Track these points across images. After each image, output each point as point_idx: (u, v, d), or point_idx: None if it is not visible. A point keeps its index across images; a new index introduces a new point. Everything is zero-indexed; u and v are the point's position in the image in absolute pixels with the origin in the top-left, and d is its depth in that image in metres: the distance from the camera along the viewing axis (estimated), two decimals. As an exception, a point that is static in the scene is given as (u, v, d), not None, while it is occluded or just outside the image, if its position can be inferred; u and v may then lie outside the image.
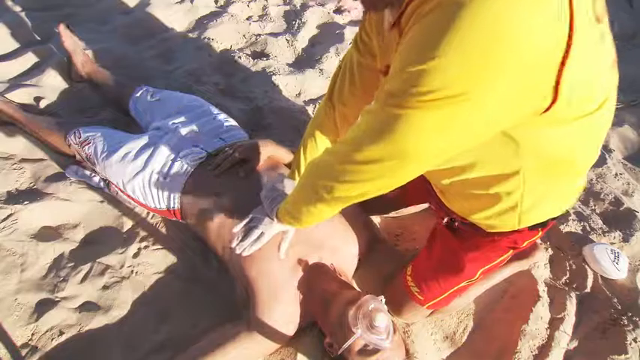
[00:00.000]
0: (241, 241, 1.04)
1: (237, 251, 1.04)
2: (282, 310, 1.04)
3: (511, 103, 0.55)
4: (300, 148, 1.09)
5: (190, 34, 2.00)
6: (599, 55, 0.60)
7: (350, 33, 2.19)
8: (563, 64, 0.52)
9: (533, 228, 0.93)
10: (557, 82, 0.53)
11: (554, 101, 0.56)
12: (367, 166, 0.66)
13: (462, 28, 0.48)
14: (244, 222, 1.06)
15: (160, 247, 1.28)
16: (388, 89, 0.59)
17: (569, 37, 0.50)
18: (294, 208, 0.89)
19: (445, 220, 1.06)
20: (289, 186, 1.02)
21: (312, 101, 1.83)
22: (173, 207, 1.24)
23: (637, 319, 1.20)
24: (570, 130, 0.65)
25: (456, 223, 1.02)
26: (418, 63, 0.53)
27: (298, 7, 2.31)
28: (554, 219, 0.94)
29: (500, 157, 0.71)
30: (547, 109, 0.57)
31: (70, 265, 1.20)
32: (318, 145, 1.07)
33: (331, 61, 2.00)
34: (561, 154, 0.71)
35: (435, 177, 0.89)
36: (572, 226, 1.47)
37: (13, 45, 1.75)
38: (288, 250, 1.08)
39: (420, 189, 1.05)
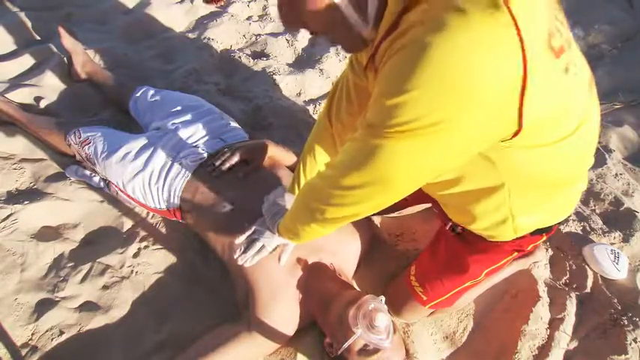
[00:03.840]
0: (243, 252, 1.07)
1: (240, 262, 1.07)
2: (282, 310, 1.04)
3: (480, 130, 0.60)
4: (299, 164, 1.11)
5: (190, 34, 2.00)
6: (565, 86, 0.64)
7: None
8: (522, 97, 0.56)
9: (537, 233, 0.94)
10: (520, 113, 0.58)
11: (519, 129, 0.61)
12: (353, 191, 0.71)
13: (430, 65, 0.53)
14: (247, 234, 1.08)
15: (160, 247, 1.28)
16: (367, 119, 0.64)
17: (524, 74, 0.54)
18: (292, 225, 0.93)
19: (448, 225, 1.06)
20: (290, 201, 1.06)
21: (312, 101, 1.83)
22: (173, 207, 1.24)
23: (637, 319, 1.20)
24: (548, 152, 0.69)
25: (459, 228, 1.03)
26: (392, 96, 0.57)
27: (298, 7, 2.31)
28: (556, 224, 0.95)
29: (481, 174, 0.76)
30: (514, 136, 0.62)
31: (70, 265, 1.20)
32: (317, 160, 1.09)
33: (331, 61, 2.00)
34: (543, 173, 0.75)
35: (427, 190, 0.93)
36: (572, 226, 1.47)
37: (13, 45, 1.74)
38: None
39: (420, 190, 1.06)
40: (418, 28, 0.55)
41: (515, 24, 0.52)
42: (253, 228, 1.08)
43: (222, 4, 1.01)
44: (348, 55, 0.98)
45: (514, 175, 0.75)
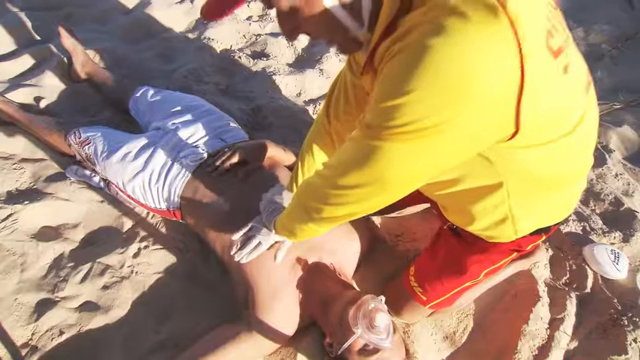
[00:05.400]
0: (240, 249, 1.07)
1: (236, 259, 1.07)
2: (282, 310, 1.04)
3: (477, 132, 0.60)
4: (298, 162, 1.11)
5: (190, 34, 2.00)
6: (563, 86, 0.64)
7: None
8: (519, 99, 0.57)
9: (536, 233, 0.94)
10: (518, 115, 0.59)
11: (517, 130, 0.61)
12: (351, 190, 0.71)
13: (430, 68, 0.53)
14: (243, 230, 1.08)
15: (159, 247, 1.28)
16: (366, 120, 0.64)
17: (521, 77, 0.55)
18: (288, 223, 0.93)
19: (447, 224, 1.07)
20: (287, 199, 1.06)
21: (312, 101, 1.83)
22: (173, 207, 1.24)
23: (637, 319, 1.20)
24: (546, 150, 0.69)
25: (457, 228, 1.03)
26: (391, 98, 0.58)
27: (298, 7, 2.31)
28: (555, 224, 0.94)
29: (479, 173, 0.76)
30: (512, 137, 0.63)
31: (70, 265, 1.20)
32: (316, 159, 1.09)
33: (331, 61, 2.00)
34: (542, 172, 0.75)
35: (424, 190, 0.94)
36: (572, 227, 1.47)
37: (13, 45, 1.74)
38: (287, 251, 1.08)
39: (419, 191, 1.06)
40: (418, 31, 0.56)
41: (513, 27, 0.53)
42: (250, 225, 1.08)
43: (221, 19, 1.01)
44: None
45: (513, 174, 0.75)
